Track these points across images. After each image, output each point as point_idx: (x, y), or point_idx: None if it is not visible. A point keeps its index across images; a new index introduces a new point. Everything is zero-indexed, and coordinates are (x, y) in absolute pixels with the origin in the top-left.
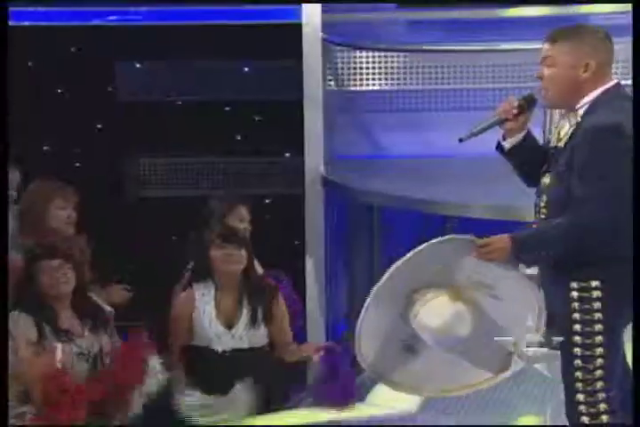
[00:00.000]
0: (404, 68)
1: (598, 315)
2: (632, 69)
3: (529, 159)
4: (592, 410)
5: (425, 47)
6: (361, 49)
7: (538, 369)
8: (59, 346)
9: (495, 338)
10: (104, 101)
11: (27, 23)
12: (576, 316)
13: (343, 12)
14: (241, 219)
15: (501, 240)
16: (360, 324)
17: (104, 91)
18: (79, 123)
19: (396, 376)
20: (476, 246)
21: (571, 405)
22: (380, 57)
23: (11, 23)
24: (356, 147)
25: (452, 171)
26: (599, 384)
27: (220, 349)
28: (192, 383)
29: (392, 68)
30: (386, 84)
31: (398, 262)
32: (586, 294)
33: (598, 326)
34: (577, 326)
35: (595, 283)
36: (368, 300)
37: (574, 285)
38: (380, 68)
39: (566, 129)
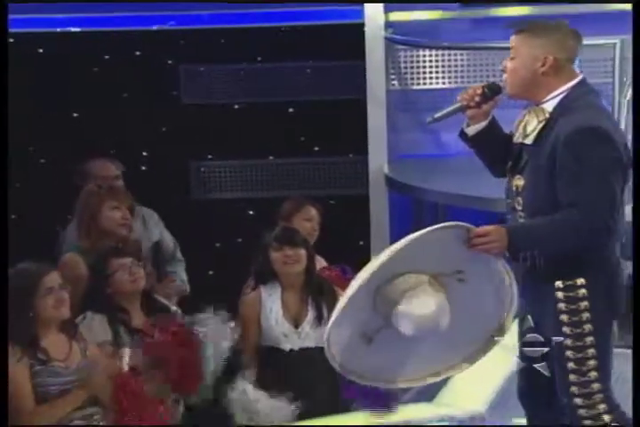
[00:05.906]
0: (467, 66)
1: (586, 315)
2: (632, 69)
3: (493, 147)
4: (592, 412)
5: (488, 45)
6: (423, 47)
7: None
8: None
9: (485, 328)
10: (169, 105)
11: (92, 29)
12: (564, 317)
13: (405, 11)
14: (308, 218)
15: (498, 232)
16: (336, 320)
17: (169, 94)
18: (144, 126)
19: (360, 369)
20: (472, 236)
21: (570, 408)
22: (442, 55)
23: (73, 29)
24: (420, 146)
25: None
26: (595, 386)
27: (287, 347)
28: (263, 383)
29: (455, 66)
30: (449, 83)
31: (387, 251)
32: (571, 294)
33: (588, 327)
34: (566, 329)
35: (580, 281)
36: (349, 291)
37: (559, 284)
38: (442, 66)
39: (534, 125)
